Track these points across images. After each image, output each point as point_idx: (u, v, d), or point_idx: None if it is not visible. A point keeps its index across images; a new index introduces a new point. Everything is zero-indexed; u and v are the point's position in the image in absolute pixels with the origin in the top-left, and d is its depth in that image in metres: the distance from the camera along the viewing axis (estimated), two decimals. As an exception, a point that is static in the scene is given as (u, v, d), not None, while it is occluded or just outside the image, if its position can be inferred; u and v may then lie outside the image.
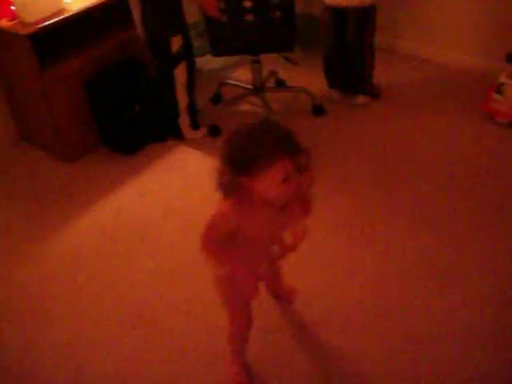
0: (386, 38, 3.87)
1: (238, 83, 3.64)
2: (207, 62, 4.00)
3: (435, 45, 3.92)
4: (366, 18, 3.27)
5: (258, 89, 3.46)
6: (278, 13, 3.05)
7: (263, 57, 3.40)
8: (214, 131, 3.39)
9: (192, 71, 3.34)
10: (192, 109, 3.37)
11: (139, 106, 3.29)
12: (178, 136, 3.37)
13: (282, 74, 3.78)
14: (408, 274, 2.40)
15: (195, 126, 3.40)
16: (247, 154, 1.50)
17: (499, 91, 3.23)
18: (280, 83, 3.76)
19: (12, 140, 3.50)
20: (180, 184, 3.05)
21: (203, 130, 3.39)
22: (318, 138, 3.29)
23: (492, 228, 2.59)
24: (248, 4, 3.03)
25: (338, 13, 3.29)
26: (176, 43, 3.14)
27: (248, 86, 3.52)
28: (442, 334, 2.14)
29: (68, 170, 3.24)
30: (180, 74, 3.22)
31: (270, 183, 1.53)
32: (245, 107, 3.64)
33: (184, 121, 3.35)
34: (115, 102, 3.23)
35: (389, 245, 2.55)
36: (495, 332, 2.13)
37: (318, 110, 3.48)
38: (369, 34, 3.34)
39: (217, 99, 3.69)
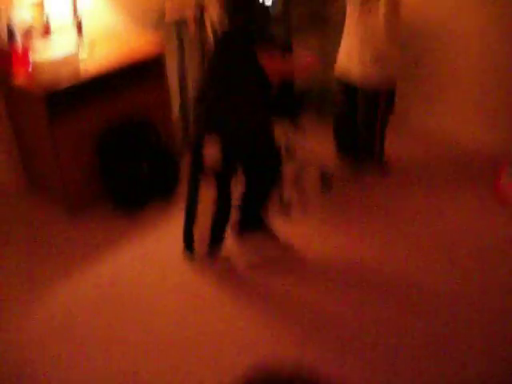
0: (396, 112, 3.87)
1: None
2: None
3: (447, 121, 3.94)
4: (377, 99, 3.30)
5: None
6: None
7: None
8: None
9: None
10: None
11: (147, 165, 3.33)
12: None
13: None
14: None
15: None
16: None
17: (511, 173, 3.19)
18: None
19: (20, 188, 3.55)
20: (181, 248, 3.01)
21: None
22: (324, 212, 3.29)
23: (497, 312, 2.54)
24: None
25: (350, 88, 3.33)
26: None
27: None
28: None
29: (71, 223, 3.26)
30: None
31: None
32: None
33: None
34: (124, 160, 3.27)
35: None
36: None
37: (326, 184, 3.50)
38: (382, 115, 3.36)
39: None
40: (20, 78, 3.08)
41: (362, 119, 3.40)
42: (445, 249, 2.96)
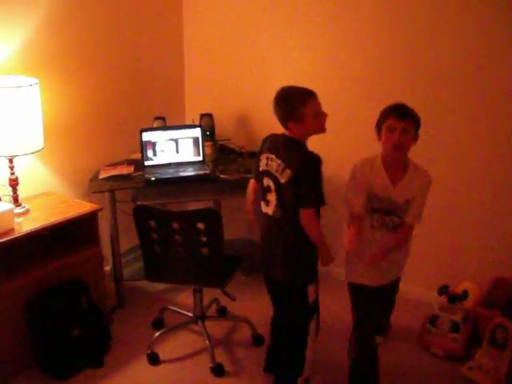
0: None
1: (179, 310, 3.67)
2: (151, 284, 3.98)
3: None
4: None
5: (199, 317, 3.50)
6: (205, 250, 3.09)
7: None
8: (153, 359, 3.34)
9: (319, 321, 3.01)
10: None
11: (78, 330, 3.25)
12: None
13: (224, 301, 3.80)
14: None
15: None
16: None
17: (433, 323, 3.37)
18: (221, 311, 3.82)
19: None
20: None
21: None
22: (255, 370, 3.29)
23: None
24: (177, 237, 3.09)
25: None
26: (312, 292, 2.89)
27: (189, 314, 3.56)
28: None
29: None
30: (313, 326, 2.94)
31: None
32: (185, 335, 3.62)
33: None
34: (54, 325, 3.18)
35: None
36: None
37: (258, 341, 3.51)
38: None
39: (158, 324, 3.68)
40: None
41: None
42: None
